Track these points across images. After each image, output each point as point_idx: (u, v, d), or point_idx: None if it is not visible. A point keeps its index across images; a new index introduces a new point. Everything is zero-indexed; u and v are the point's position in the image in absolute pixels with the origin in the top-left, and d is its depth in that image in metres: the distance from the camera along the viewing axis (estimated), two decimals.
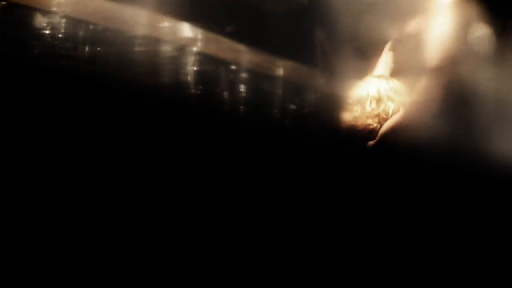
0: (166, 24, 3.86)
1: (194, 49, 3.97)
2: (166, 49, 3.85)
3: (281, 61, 4.11)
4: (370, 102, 3.48)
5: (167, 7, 3.86)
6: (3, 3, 3.35)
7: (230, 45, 3.98)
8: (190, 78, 3.86)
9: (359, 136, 3.49)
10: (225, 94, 3.94)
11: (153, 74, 3.80)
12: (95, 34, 3.65)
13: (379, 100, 3.46)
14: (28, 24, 3.47)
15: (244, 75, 3.97)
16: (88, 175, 2.85)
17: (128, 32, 3.77)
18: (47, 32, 3.51)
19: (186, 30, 3.90)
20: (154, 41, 3.85)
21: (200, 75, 3.88)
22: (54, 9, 3.51)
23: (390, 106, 3.44)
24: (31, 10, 3.49)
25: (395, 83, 3.56)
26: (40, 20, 3.50)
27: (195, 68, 3.91)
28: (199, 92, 3.85)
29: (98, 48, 3.66)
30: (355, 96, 3.59)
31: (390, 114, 3.43)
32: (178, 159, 3.12)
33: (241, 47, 3.96)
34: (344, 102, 3.64)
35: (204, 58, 3.94)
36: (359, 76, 3.50)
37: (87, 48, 3.62)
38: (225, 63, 3.94)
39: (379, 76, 3.63)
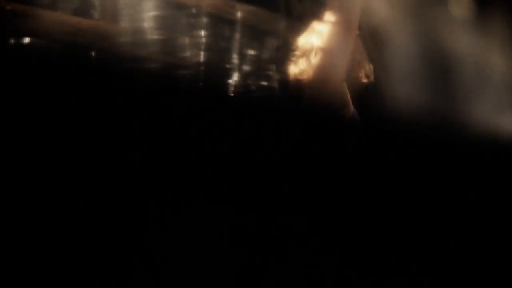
0: None
1: None
2: None
3: (241, 5, 4.07)
4: (315, 54, 3.08)
5: None
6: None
7: None
8: (150, 23, 3.79)
9: (305, 92, 3.12)
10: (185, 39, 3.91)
11: (113, 19, 3.71)
12: None
13: (324, 51, 3.03)
14: None
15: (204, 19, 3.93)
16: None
17: None
18: None
19: None
20: None
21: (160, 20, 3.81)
22: None
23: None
24: None
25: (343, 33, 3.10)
26: None
27: (155, 13, 3.83)
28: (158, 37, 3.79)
29: None
30: (300, 46, 3.17)
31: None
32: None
33: None
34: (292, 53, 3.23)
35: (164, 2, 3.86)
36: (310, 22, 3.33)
37: None
38: (185, 7, 3.88)
39: (326, 23, 3.11)
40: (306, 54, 3.16)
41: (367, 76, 3.33)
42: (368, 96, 3.54)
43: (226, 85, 3.89)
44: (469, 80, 3.99)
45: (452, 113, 3.87)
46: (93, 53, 3.64)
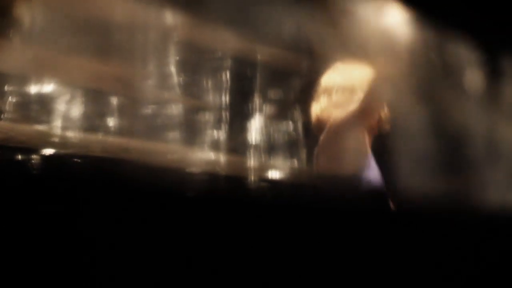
0: (150, 10, 3.75)
1: (177, 36, 3.89)
2: (149, 36, 3.76)
3: (263, 47, 4.07)
4: (337, 92, 3.14)
5: None
6: None
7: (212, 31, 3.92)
8: (172, 66, 3.79)
9: (327, 128, 3.17)
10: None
11: (134, 62, 3.72)
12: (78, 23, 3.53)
13: (350, 90, 3.13)
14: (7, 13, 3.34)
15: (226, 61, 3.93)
16: None
17: (110, 18, 3.67)
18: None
19: (168, 16, 3.80)
20: (137, 28, 3.75)
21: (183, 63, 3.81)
22: None
23: (362, 97, 3.08)
24: None
25: (365, 70, 3.19)
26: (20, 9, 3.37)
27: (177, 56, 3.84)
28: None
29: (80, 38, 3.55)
30: (322, 84, 3.24)
31: (362, 106, 3.08)
32: None
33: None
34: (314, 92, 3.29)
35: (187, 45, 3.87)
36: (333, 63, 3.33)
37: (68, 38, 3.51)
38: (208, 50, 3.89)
39: (348, 63, 3.24)
40: (328, 92, 3.17)
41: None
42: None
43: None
44: (481, 156, 3.96)
45: (465, 192, 3.84)
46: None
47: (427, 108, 3.79)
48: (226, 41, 3.95)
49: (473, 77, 3.98)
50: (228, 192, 3.73)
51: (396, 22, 3.21)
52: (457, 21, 3.75)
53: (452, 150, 3.91)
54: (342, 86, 3.16)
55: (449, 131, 3.93)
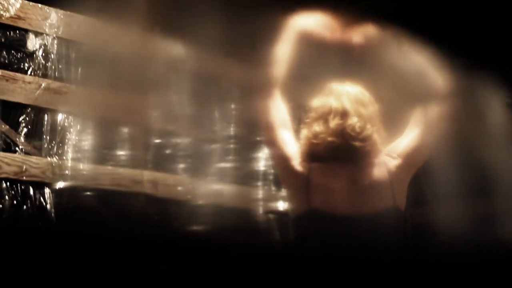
0: (158, 41, 3.78)
1: (185, 68, 3.92)
2: (157, 67, 3.79)
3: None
4: (333, 117, 3.02)
5: (159, 24, 3.78)
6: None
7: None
8: (180, 96, 3.82)
9: (321, 153, 3.02)
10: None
11: (143, 93, 3.74)
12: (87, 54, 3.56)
13: (343, 114, 3.01)
14: (21, 45, 3.35)
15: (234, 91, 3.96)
16: None
17: (120, 50, 3.69)
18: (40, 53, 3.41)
19: (178, 48, 3.83)
20: (145, 59, 3.78)
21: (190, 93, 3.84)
22: (46, 30, 3.40)
23: (357, 122, 2.98)
24: (24, 32, 3.36)
25: (360, 91, 3.08)
26: (33, 41, 3.39)
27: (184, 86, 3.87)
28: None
29: (91, 70, 3.58)
30: (316, 108, 3.07)
31: (356, 131, 2.97)
32: None
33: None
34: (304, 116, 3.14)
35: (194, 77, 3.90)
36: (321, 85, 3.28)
37: (79, 69, 3.54)
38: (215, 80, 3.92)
39: (342, 85, 3.11)
40: (324, 117, 3.12)
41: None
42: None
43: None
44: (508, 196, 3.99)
45: (493, 231, 3.87)
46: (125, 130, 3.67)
47: (459, 151, 3.83)
48: (233, 72, 3.98)
49: (500, 114, 4.02)
50: (236, 224, 3.76)
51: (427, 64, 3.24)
52: (483, 61, 3.80)
53: (480, 180, 3.95)
54: (337, 110, 3.10)
55: (477, 163, 3.97)
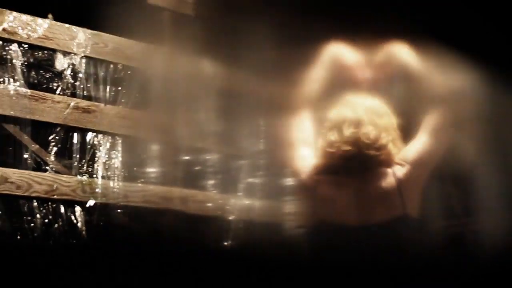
0: (184, 60, 3.80)
1: (212, 84, 3.93)
2: (185, 84, 3.80)
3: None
4: (348, 126, 3.04)
5: (185, 44, 3.80)
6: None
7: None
8: (210, 113, 3.83)
9: (335, 163, 3.02)
10: None
11: (170, 112, 3.76)
12: (115, 73, 3.58)
13: (358, 123, 3.02)
14: (50, 65, 3.37)
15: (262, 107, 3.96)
16: None
17: (148, 70, 3.71)
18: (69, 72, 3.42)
19: (206, 66, 3.85)
20: (174, 76, 3.79)
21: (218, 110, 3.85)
22: (74, 50, 3.42)
23: (371, 131, 3.00)
24: (52, 52, 3.38)
25: (376, 103, 3.11)
26: (61, 61, 3.40)
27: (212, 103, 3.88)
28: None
29: (119, 88, 3.60)
30: (332, 118, 3.09)
31: (371, 139, 2.98)
32: None
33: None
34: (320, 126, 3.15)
35: (220, 91, 3.92)
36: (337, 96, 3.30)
37: (108, 88, 3.55)
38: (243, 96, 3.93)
39: (358, 96, 3.14)
40: (338, 127, 3.13)
41: None
42: None
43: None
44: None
45: None
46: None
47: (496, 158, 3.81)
48: (261, 88, 3.98)
49: None
50: (265, 239, 3.76)
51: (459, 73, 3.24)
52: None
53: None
54: (352, 120, 3.11)
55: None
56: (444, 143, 3.09)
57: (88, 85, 3.58)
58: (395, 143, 3.05)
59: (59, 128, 3.43)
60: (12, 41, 3.37)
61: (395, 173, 3.01)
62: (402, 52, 3.22)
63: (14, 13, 3.36)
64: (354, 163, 3.01)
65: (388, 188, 2.99)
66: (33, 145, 3.33)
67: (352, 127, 2.99)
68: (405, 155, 3.04)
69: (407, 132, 3.11)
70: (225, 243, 3.71)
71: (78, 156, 3.48)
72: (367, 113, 3.03)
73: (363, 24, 3.40)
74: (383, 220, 2.98)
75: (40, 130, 3.40)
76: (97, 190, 3.45)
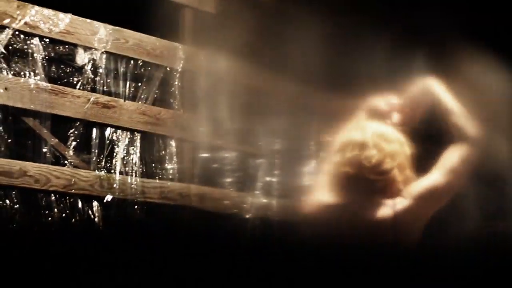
0: (203, 57, 3.81)
1: (230, 81, 3.94)
2: (204, 83, 3.81)
3: (317, 92, 4.11)
4: (352, 148, 3.00)
5: (203, 39, 3.81)
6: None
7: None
8: (227, 111, 3.83)
9: (337, 186, 3.01)
10: None
11: (193, 108, 3.77)
12: (135, 69, 3.59)
13: (362, 146, 2.98)
14: (71, 60, 3.38)
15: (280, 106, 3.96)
16: None
17: (167, 66, 3.71)
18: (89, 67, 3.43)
19: (225, 62, 3.85)
20: (193, 75, 3.80)
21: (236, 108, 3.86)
22: (95, 45, 3.42)
23: (374, 154, 2.96)
24: (73, 46, 3.39)
25: (388, 130, 3.07)
26: (82, 56, 3.41)
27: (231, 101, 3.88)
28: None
29: (139, 84, 3.60)
30: (339, 140, 3.09)
31: (372, 163, 2.94)
32: None
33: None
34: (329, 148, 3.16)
35: (240, 89, 3.91)
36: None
37: (127, 84, 3.56)
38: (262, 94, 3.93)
39: (369, 120, 3.12)
40: (342, 150, 3.12)
41: None
42: None
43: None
44: None
45: None
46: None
47: None
48: (280, 86, 3.99)
49: None
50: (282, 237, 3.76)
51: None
52: None
53: None
54: (357, 142, 3.09)
55: None
56: (456, 185, 3.05)
57: (108, 80, 3.58)
58: (402, 171, 3.00)
59: (78, 122, 3.44)
60: (34, 35, 3.37)
61: (395, 205, 2.97)
62: (434, 87, 3.19)
63: (36, 7, 3.36)
64: (353, 185, 2.99)
65: (382, 219, 2.97)
66: (52, 139, 3.34)
67: (356, 150, 2.96)
68: (412, 189, 3.00)
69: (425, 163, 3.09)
70: (242, 241, 3.72)
71: (96, 151, 3.49)
72: (374, 137, 3.00)
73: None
74: (372, 247, 2.97)
75: (60, 124, 3.41)
76: (115, 185, 3.46)
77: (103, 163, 3.49)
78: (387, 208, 2.94)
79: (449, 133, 3.04)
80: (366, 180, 2.93)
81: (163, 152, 3.69)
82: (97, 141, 3.50)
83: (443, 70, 3.19)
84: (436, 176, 3.00)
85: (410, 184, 2.98)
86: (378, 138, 2.95)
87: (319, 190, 3.02)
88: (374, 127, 3.03)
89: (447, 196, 3.01)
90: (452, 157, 3.00)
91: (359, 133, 3.00)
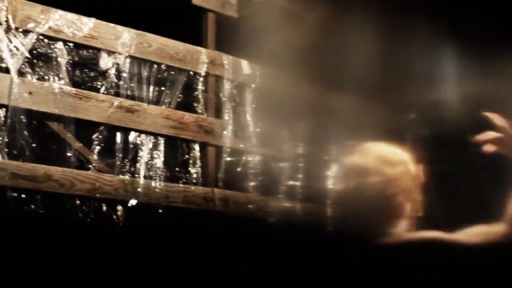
0: (226, 61, 3.81)
1: (253, 85, 3.94)
2: (227, 86, 3.81)
3: (341, 95, 4.10)
4: (355, 175, 2.79)
5: (226, 44, 3.82)
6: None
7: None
8: (250, 115, 3.83)
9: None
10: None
11: (216, 111, 3.77)
12: (159, 73, 3.59)
13: (361, 172, 2.79)
14: (94, 64, 3.39)
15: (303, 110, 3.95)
16: None
17: (190, 70, 3.72)
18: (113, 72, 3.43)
19: (245, 67, 3.85)
20: (215, 78, 3.80)
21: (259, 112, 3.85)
22: (118, 49, 3.42)
23: (372, 181, 2.76)
24: (96, 51, 3.39)
25: (392, 152, 2.88)
26: (106, 60, 3.41)
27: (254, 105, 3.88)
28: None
29: (163, 88, 3.60)
30: (342, 165, 2.95)
31: (367, 191, 2.76)
32: None
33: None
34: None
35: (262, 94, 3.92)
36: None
37: (151, 88, 3.56)
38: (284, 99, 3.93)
39: (375, 144, 2.93)
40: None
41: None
42: None
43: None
44: None
45: None
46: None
47: None
48: (301, 90, 3.99)
49: None
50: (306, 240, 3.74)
51: None
52: None
53: None
54: (358, 168, 2.99)
55: None
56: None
57: (132, 84, 3.58)
58: (408, 194, 2.91)
59: (102, 127, 3.44)
60: (58, 39, 3.37)
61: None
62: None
63: (60, 11, 3.37)
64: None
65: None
66: (76, 144, 3.34)
67: (353, 175, 2.87)
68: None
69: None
70: (265, 244, 3.71)
71: (120, 155, 3.48)
72: (376, 161, 2.90)
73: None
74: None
75: (84, 128, 3.41)
76: (139, 189, 3.45)
77: (127, 167, 3.48)
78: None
79: None
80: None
81: (187, 156, 3.68)
82: (121, 145, 3.50)
83: None
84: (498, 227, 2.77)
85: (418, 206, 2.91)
86: (380, 162, 2.86)
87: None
88: (376, 149, 2.94)
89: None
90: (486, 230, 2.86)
91: (361, 157, 2.91)
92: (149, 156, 3.55)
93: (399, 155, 2.91)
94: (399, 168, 2.86)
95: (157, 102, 3.66)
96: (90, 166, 3.38)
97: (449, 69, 3.99)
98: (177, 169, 3.64)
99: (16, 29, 3.22)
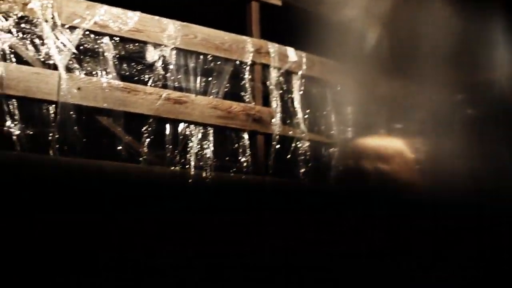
0: (272, 49, 3.80)
1: (300, 72, 3.92)
2: (273, 74, 3.80)
3: (386, 80, 4.08)
4: (362, 159, 3.03)
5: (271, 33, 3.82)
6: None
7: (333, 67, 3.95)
8: (297, 102, 3.82)
9: None
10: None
11: (264, 99, 3.77)
12: (205, 64, 3.59)
13: (373, 158, 3.02)
14: (141, 57, 3.39)
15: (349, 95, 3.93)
16: None
17: (237, 60, 3.71)
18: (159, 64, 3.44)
19: (291, 55, 3.84)
20: (262, 67, 3.80)
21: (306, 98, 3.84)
22: (164, 41, 3.43)
23: (379, 167, 2.98)
24: (143, 44, 3.40)
25: (385, 142, 3.12)
26: (152, 53, 3.42)
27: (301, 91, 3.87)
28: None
29: (209, 78, 3.60)
30: (355, 152, 3.16)
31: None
32: None
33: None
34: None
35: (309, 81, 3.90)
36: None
37: (198, 79, 3.56)
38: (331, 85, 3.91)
39: (386, 135, 3.18)
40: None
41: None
42: None
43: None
44: None
45: None
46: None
47: None
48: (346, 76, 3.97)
49: None
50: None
51: None
52: None
53: None
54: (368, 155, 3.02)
55: None
56: None
57: (179, 76, 3.59)
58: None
59: (151, 119, 3.45)
60: (104, 34, 3.39)
61: None
62: None
63: (105, 7, 3.39)
64: None
65: None
66: (126, 137, 3.36)
67: (364, 161, 2.90)
68: None
69: None
70: None
71: (170, 147, 3.49)
72: (387, 150, 2.93)
73: None
74: None
75: (133, 121, 3.42)
76: (190, 180, 3.46)
77: (177, 158, 3.49)
78: None
79: None
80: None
81: (236, 145, 3.68)
82: (170, 137, 3.51)
83: None
84: None
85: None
86: (390, 150, 2.92)
87: None
88: (372, 146, 3.00)
89: None
90: None
91: (373, 144, 2.96)
92: (199, 146, 3.55)
93: (392, 148, 2.99)
94: (397, 160, 2.94)
95: (204, 92, 3.66)
96: (140, 159, 3.39)
97: None
98: (227, 158, 3.63)
99: (62, 25, 3.24)
